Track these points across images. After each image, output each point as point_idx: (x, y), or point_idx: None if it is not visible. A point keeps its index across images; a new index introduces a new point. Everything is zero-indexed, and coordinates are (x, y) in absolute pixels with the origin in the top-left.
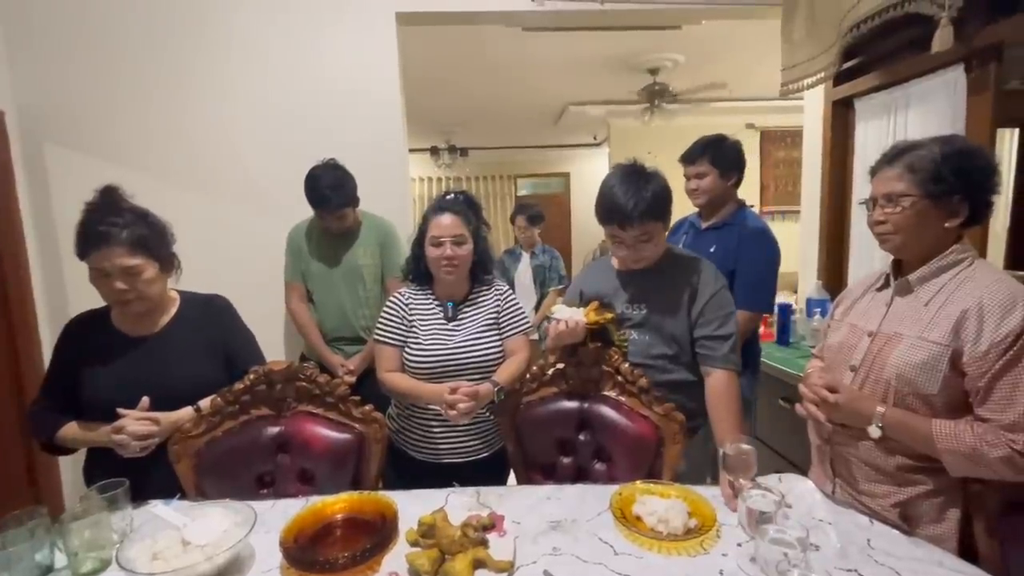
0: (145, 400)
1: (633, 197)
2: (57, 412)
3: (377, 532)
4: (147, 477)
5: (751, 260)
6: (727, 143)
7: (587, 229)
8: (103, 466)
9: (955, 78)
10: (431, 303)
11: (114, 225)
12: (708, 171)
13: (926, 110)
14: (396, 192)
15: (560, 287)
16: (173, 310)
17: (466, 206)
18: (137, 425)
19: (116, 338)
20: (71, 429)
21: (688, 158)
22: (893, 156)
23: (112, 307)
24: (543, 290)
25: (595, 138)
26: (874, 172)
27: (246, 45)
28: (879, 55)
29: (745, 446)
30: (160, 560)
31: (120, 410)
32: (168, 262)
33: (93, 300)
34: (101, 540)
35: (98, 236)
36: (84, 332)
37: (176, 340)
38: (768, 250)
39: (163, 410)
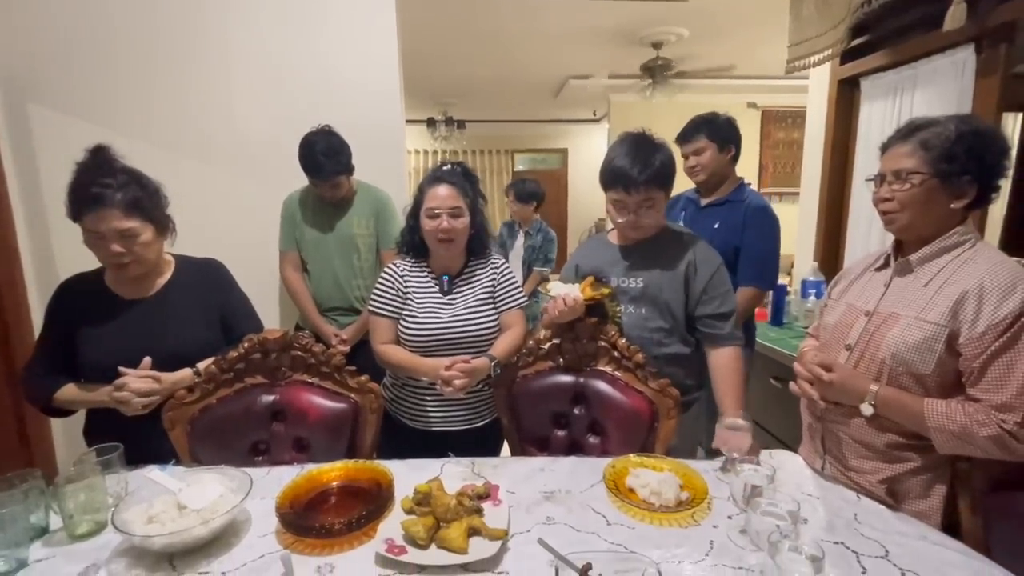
0: (147, 360)
1: (641, 162)
2: (53, 375)
3: (373, 500)
4: (147, 440)
5: (758, 237)
6: (721, 118)
7: (584, 206)
8: (103, 428)
9: (964, 58)
10: (426, 276)
11: (108, 187)
12: (706, 146)
13: (933, 91)
14: (392, 163)
15: (543, 268)
16: (168, 273)
17: (463, 178)
18: (139, 382)
19: (111, 301)
20: (70, 391)
21: (684, 137)
22: (907, 132)
23: (107, 269)
24: (527, 270)
25: (595, 114)
26: (885, 148)
27: (241, 9)
28: (888, 33)
29: (742, 420)
30: (156, 523)
31: (122, 368)
32: (163, 224)
33: (81, 264)
34: (96, 503)
35: (92, 198)
36: (78, 295)
37: (172, 303)
38: (773, 227)
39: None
